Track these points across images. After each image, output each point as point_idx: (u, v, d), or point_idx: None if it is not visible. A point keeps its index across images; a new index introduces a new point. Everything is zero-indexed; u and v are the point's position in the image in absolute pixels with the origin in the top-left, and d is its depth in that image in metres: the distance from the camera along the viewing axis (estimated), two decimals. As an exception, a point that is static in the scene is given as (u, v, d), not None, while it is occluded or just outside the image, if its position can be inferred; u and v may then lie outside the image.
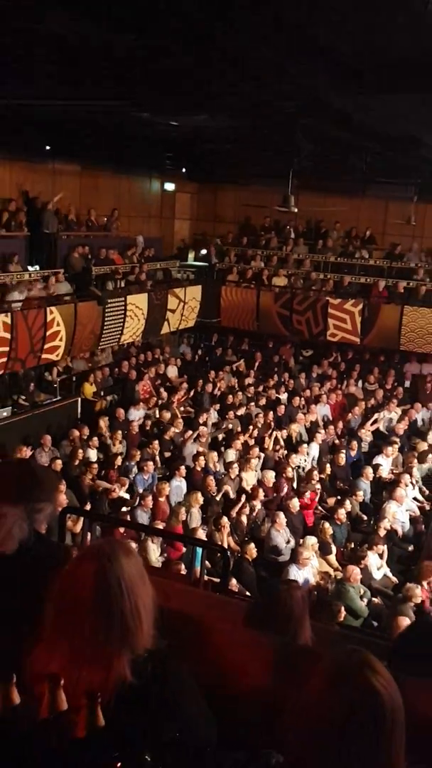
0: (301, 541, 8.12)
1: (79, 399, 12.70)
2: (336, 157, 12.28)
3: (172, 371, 15.05)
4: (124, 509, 8.66)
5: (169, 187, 18.43)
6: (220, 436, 11.75)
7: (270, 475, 10.08)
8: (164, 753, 1.48)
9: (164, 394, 13.15)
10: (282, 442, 11.60)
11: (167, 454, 10.97)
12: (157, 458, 10.54)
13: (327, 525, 8.64)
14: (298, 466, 10.69)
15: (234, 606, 3.02)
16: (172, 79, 7.34)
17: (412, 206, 15.10)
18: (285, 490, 9.84)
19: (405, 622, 5.91)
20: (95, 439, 10.63)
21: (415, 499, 10.32)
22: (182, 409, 12.69)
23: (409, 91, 4.90)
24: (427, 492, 10.74)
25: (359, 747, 1.30)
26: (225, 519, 8.36)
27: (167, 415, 11.91)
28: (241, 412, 12.50)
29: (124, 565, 1.60)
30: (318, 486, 10.00)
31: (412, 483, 10.31)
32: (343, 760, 1.29)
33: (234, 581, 6.97)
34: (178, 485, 9.56)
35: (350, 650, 1.42)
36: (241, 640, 2.12)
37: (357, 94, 5.55)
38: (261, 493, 9.42)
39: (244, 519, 8.81)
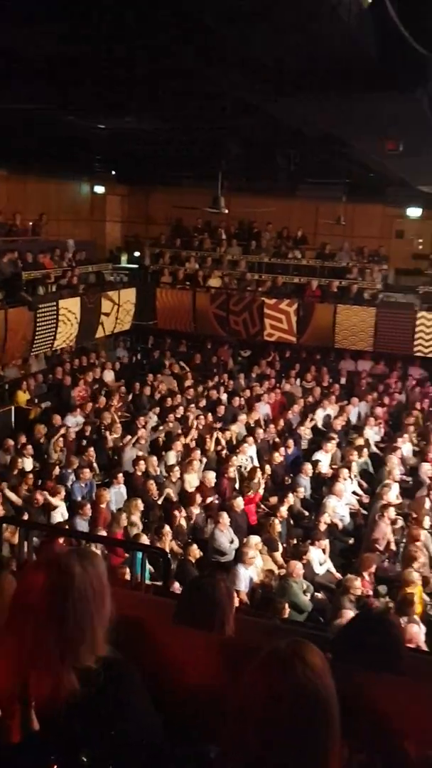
0: (245, 540, 8.11)
1: (12, 407, 12.37)
2: (264, 158, 12.39)
3: (109, 375, 14.86)
4: (60, 518, 8.48)
5: (99, 189, 18.21)
6: (161, 439, 11.65)
7: (210, 476, 10.05)
8: (112, 753, 1.51)
9: (102, 399, 12.95)
10: (223, 443, 11.60)
11: (106, 460, 10.80)
12: (95, 465, 10.37)
13: (276, 521, 8.67)
14: (240, 466, 10.71)
15: (173, 607, 3.05)
16: (98, 82, 7.24)
17: (341, 206, 15.40)
18: (228, 490, 9.84)
19: (348, 614, 5.97)
20: (29, 447, 10.37)
21: (354, 493, 10.50)
22: (119, 414, 12.53)
23: (330, 93, 4.95)
24: (365, 485, 10.93)
25: (288, 737, 1.30)
26: (167, 527, 8.26)
27: (107, 419, 11.74)
28: (180, 414, 12.43)
29: (77, 574, 1.59)
30: (260, 484, 10.04)
31: (350, 477, 10.47)
32: (274, 750, 1.30)
33: (177, 584, 6.90)
34: (117, 491, 9.42)
35: (284, 642, 1.42)
36: (182, 640, 2.14)
37: (279, 96, 5.59)
38: (198, 498, 9.35)
39: (184, 522, 8.74)
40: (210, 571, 5.39)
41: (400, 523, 9.20)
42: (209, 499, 9.60)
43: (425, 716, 2.06)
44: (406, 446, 11.83)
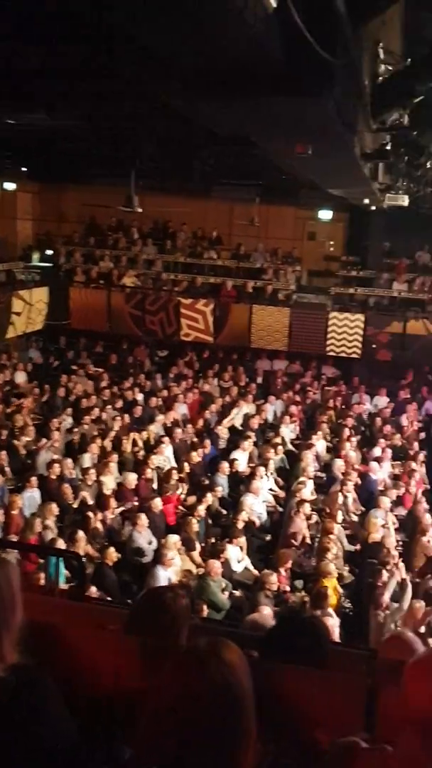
0: (164, 540, 8.08)
1: None
2: (179, 158, 12.41)
3: (21, 377, 14.43)
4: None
5: (10, 186, 17.67)
6: (75, 442, 11.43)
7: (130, 478, 9.94)
8: (26, 758, 1.51)
9: (14, 401, 12.56)
10: (140, 444, 11.51)
11: (19, 464, 10.48)
12: (7, 469, 10.04)
13: (193, 521, 8.68)
14: (158, 467, 10.65)
15: (89, 611, 3.03)
16: (7, 76, 7.01)
17: (255, 208, 15.64)
18: (145, 491, 9.77)
19: (264, 610, 6.06)
20: None
21: (270, 490, 10.66)
22: (32, 416, 12.20)
23: (239, 96, 5.00)
24: (282, 482, 11.13)
25: (205, 735, 1.29)
26: (80, 531, 8.10)
27: (19, 422, 11.39)
28: (96, 415, 12.24)
29: None
30: (178, 485, 10.03)
31: (267, 475, 10.64)
32: (190, 749, 1.29)
33: (93, 588, 6.79)
34: (31, 495, 9.15)
35: (202, 640, 1.42)
36: (97, 644, 2.15)
37: (188, 98, 5.60)
38: (114, 501, 9.23)
39: (100, 525, 8.60)
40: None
41: (315, 518, 9.43)
42: (129, 505, 9.49)
43: (336, 706, 2.12)
44: (320, 443, 12.12)
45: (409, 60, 8.07)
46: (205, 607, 6.84)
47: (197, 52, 4.17)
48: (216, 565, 7.47)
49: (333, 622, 6.40)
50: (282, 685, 2.04)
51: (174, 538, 7.97)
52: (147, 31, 3.96)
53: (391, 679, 1.81)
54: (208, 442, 11.75)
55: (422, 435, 13.28)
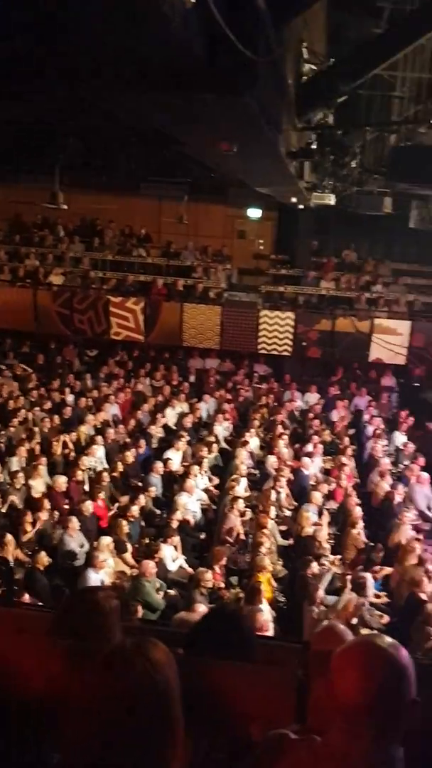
0: (96, 543, 7.96)
1: None
2: (105, 155, 12.24)
3: None
4: None
5: None
6: (2, 445, 11.10)
7: (61, 481, 9.74)
8: None
9: None
10: (71, 446, 11.29)
11: None
12: None
13: (123, 522, 8.58)
14: (89, 468, 10.48)
15: (18, 617, 2.93)
16: None
17: (184, 206, 15.62)
18: (76, 493, 9.59)
19: (200, 608, 6.05)
20: None
21: (206, 489, 10.65)
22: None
23: (162, 94, 4.95)
24: (217, 481, 11.15)
25: (131, 736, 1.28)
26: (9, 536, 7.87)
27: None
28: (23, 417, 11.93)
29: None
30: (110, 486, 9.90)
31: (201, 473, 10.64)
32: (116, 750, 1.28)
33: (27, 595, 6.62)
34: None
35: (127, 640, 1.41)
36: (24, 648, 2.09)
37: (111, 94, 5.51)
38: (47, 504, 9.02)
39: (30, 529, 8.39)
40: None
41: (249, 514, 9.50)
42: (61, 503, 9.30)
43: (268, 699, 2.13)
44: (253, 440, 12.22)
45: (333, 60, 8.26)
46: (140, 607, 6.77)
47: (118, 46, 4.09)
48: (150, 565, 7.42)
49: (267, 617, 6.45)
50: (214, 682, 2.04)
51: (106, 541, 7.86)
52: (67, 26, 3.86)
53: (321, 671, 1.83)
54: (143, 442, 11.65)
55: (352, 430, 13.58)
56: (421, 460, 11.34)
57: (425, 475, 10.76)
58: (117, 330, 15.56)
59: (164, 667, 1.35)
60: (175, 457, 11.21)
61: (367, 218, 14.00)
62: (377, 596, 7.80)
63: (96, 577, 7.23)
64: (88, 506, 8.95)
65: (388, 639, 1.68)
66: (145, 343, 16.00)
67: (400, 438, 13.02)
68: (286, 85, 6.61)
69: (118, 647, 1.39)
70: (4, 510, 8.95)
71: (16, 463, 10.13)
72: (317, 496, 9.63)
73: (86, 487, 9.97)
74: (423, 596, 7.09)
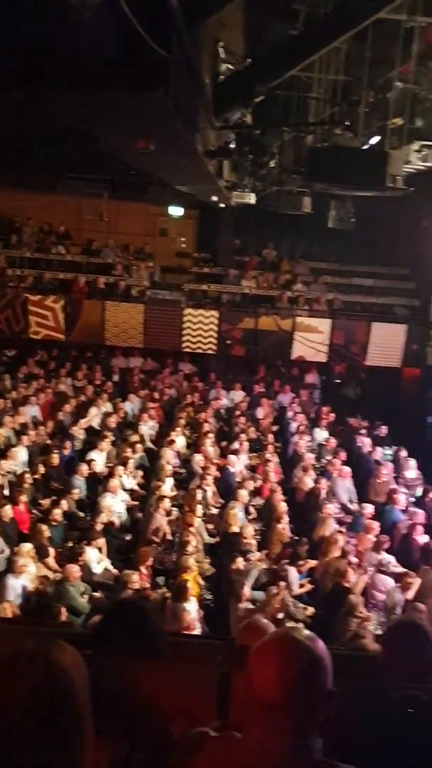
0: (16, 549, 7.75)
1: None
2: (21, 151, 11.90)
3: None
4: None
5: None
6: None
7: (-21, 486, 9.43)
8: None
9: None
10: (-11, 450, 10.94)
11: None
12: None
13: (43, 527, 8.38)
14: (9, 472, 10.18)
15: None
16: None
17: (104, 203, 15.44)
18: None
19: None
20: None
21: (131, 490, 10.54)
22: None
23: (74, 89, 4.86)
24: (142, 481, 11.06)
25: (36, 739, 1.26)
26: None
27: None
28: None
29: None
30: (31, 490, 9.66)
31: (126, 474, 10.52)
32: (20, 754, 1.25)
33: None
34: None
35: (30, 642, 1.37)
36: None
37: (20, 89, 5.36)
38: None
39: None
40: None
41: (176, 513, 9.49)
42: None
43: (190, 697, 2.13)
44: (179, 439, 12.21)
45: (250, 60, 8.33)
46: (64, 611, 6.65)
47: (28, 43, 3.98)
48: (74, 569, 7.29)
49: (194, 615, 6.47)
50: (133, 681, 2.02)
51: (27, 546, 7.66)
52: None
53: (243, 666, 1.84)
54: (68, 443, 11.42)
55: (276, 427, 13.79)
56: (343, 455, 11.64)
57: (347, 469, 11.05)
58: (36, 329, 15.21)
59: (68, 667, 1.33)
60: (98, 458, 11.05)
61: (288, 218, 14.23)
62: (301, 585, 7.95)
63: (16, 583, 7.05)
64: (8, 511, 8.69)
65: (305, 631, 1.71)
66: (66, 342, 15.71)
67: (321, 434, 13.32)
68: (203, 84, 6.60)
69: (20, 650, 1.35)
70: None
71: None
72: (243, 494, 9.71)
73: (6, 492, 9.67)
74: (347, 586, 7.28)
